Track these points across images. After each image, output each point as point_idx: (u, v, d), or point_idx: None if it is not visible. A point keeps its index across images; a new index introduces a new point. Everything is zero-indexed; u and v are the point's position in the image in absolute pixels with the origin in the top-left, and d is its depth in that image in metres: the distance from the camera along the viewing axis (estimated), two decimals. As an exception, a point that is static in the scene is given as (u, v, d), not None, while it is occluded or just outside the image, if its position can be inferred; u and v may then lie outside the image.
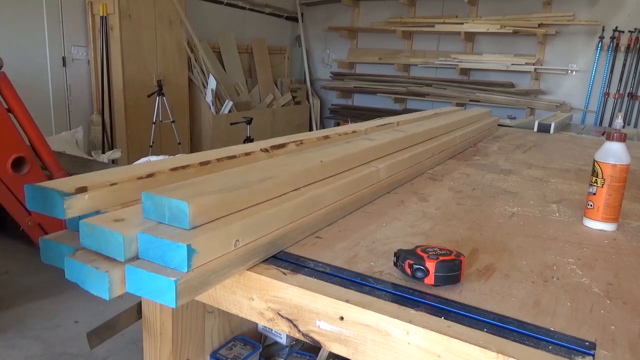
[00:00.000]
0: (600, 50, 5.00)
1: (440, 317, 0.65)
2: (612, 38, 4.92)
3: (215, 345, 1.16)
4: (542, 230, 1.03)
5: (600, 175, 1.04)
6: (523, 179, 1.52)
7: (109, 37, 4.28)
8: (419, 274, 0.72)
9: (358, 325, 0.67)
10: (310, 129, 6.63)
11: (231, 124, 4.67)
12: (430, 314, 0.66)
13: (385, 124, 1.78)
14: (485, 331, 0.62)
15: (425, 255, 0.73)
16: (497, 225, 1.05)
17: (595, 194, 1.05)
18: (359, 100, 6.66)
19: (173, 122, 4.41)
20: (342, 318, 0.68)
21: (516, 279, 0.78)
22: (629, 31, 4.86)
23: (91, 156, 4.11)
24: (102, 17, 4.22)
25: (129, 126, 4.43)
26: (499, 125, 2.86)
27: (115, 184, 0.85)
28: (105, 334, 1.64)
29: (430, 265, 0.71)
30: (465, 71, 5.72)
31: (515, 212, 1.16)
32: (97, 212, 0.80)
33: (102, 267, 0.67)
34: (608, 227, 1.06)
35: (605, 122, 5.07)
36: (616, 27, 4.90)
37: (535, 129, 2.80)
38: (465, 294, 0.72)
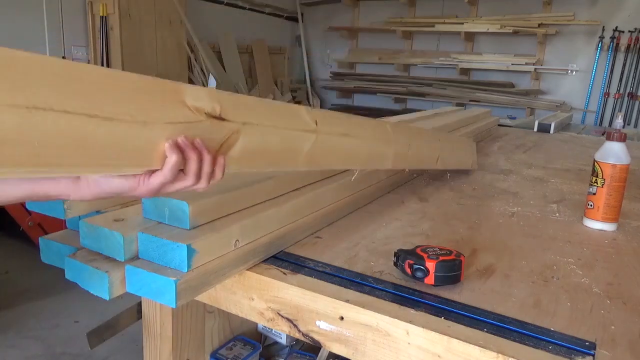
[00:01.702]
0: (600, 50, 4.99)
1: (440, 317, 0.65)
2: (612, 38, 4.91)
3: (215, 345, 1.16)
4: (542, 230, 1.03)
5: (600, 175, 1.04)
6: (523, 179, 1.52)
7: (109, 37, 4.28)
8: (419, 274, 0.72)
9: (358, 325, 0.67)
10: (310, 129, 6.61)
11: (231, 124, 4.66)
12: (430, 314, 0.66)
13: (385, 124, 1.78)
14: (485, 331, 0.62)
15: (425, 255, 0.73)
16: (497, 225, 1.05)
17: (595, 194, 1.05)
18: (359, 100, 6.65)
19: (173, 122, 4.41)
20: (342, 318, 0.68)
21: (516, 279, 0.78)
22: (629, 31, 4.85)
23: (91, 156, 4.10)
24: (102, 17, 4.21)
25: (129, 126, 4.43)
26: (499, 125, 2.86)
27: (115, 184, 0.84)
28: (105, 334, 1.64)
29: (430, 265, 0.71)
30: (465, 71, 5.71)
31: (515, 212, 1.16)
32: (97, 212, 0.80)
33: (102, 267, 0.67)
34: (608, 227, 1.06)
35: (605, 122, 5.06)
36: (616, 27, 4.90)
37: (535, 129, 2.80)
38: (465, 294, 0.72)
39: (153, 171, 0.54)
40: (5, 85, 0.39)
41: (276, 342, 1.31)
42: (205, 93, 0.58)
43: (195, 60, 5.06)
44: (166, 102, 0.54)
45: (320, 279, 0.74)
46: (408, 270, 0.73)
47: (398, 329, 0.64)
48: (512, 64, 5.31)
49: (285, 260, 0.81)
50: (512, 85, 5.47)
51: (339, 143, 0.83)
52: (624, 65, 4.93)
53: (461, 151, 1.52)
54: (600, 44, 4.97)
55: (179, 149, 0.53)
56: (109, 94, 0.47)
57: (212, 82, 5.01)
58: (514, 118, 3.76)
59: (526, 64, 5.28)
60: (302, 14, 6.81)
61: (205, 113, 0.57)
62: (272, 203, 0.88)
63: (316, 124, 0.76)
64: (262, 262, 0.80)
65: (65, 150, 0.44)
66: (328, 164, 0.82)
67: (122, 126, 0.48)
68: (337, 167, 0.85)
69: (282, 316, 0.73)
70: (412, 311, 0.66)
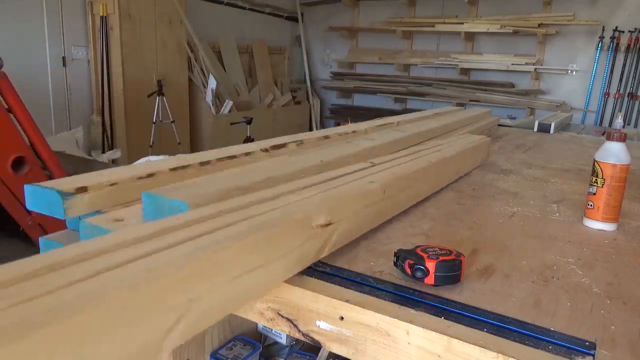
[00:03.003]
0: (600, 50, 5.00)
1: (440, 317, 0.65)
2: (612, 38, 4.92)
3: (215, 345, 1.16)
4: (542, 230, 1.03)
5: (600, 175, 1.04)
6: (523, 179, 1.52)
7: (109, 37, 4.28)
8: (419, 274, 0.72)
9: (358, 325, 0.67)
10: (310, 129, 6.63)
11: (231, 124, 4.67)
12: (430, 314, 0.65)
13: (385, 124, 1.78)
14: (485, 331, 0.62)
15: (425, 255, 0.73)
16: (497, 225, 1.05)
17: (595, 194, 1.05)
18: (359, 100, 6.66)
19: (173, 122, 4.41)
20: (342, 318, 0.68)
21: (516, 279, 0.78)
22: (629, 31, 4.86)
23: (91, 156, 4.11)
24: (102, 17, 4.22)
25: (129, 126, 4.43)
26: (499, 125, 2.86)
27: (115, 184, 0.85)
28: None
29: (430, 265, 0.71)
30: (465, 71, 5.72)
31: (515, 212, 1.16)
32: (97, 212, 0.80)
33: (102, 267, 0.67)
34: (608, 227, 1.06)
35: (605, 122, 5.07)
36: (616, 27, 4.90)
37: (535, 129, 2.80)
38: (465, 294, 0.72)
39: None
40: (231, 267, 0.55)
41: (276, 342, 1.30)
42: (324, 210, 0.74)
43: (195, 60, 5.07)
44: (302, 234, 0.70)
45: (320, 279, 0.74)
46: (408, 270, 0.73)
47: (398, 329, 0.64)
48: (512, 64, 5.32)
49: (285, 260, 0.81)
50: (512, 85, 5.48)
51: (396, 198, 1.01)
52: (624, 65, 4.93)
53: (476, 155, 1.59)
54: (600, 44, 4.98)
55: None
56: (272, 249, 0.63)
57: (212, 82, 5.01)
58: (514, 118, 3.76)
59: (526, 64, 5.29)
60: (302, 14, 6.81)
61: (320, 225, 0.73)
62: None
63: (384, 193, 0.93)
64: (262, 262, 0.80)
65: (238, 300, 0.59)
66: (384, 219, 0.98)
67: (269, 267, 0.63)
68: (386, 218, 1.00)
69: (282, 316, 0.73)
70: (412, 311, 0.66)
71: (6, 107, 2.64)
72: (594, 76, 5.10)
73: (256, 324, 1.26)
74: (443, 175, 1.29)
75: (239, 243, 0.56)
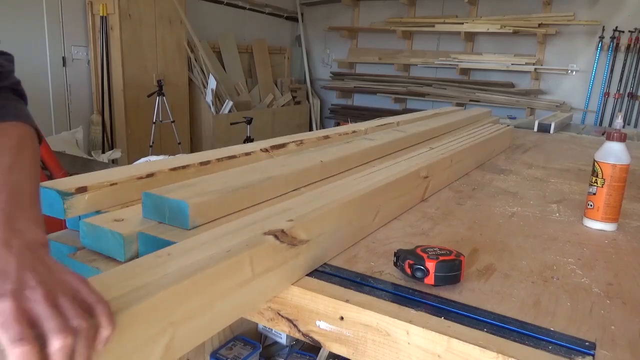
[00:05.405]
0: (600, 50, 4.99)
1: (440, 317, 0.65)
2: (612, 38, 4.91)
3: (215, 345, 1.16)
4: (542, 230, 1.03)
5: (600, 175, 1.04)
6: (523, 179, 1.52)
7: (109, 37, 4.28)
8: (418, 274, 0.72)
9: (358, 325, 0.67)
10: (310, 129, 6.62)
11: (231, 124, 4.67)
12: (430, 314, 0.66)
13: (385, 124, 1.78)
14: (485, 331, 0.62)
15: (425, 255, 0.73)
16: (497, 225, 1.05)
17: (595, 194, 1.05)
18: (359, 100, 6.65)
19: (173, 122, 4.41)
20: (342, 318, 0.68)
21: (516, 279, 0.78)
22: (629, 31, 4.85)
23: (91, 156, 4.11)
24: (102, 17, 4.21)
25: (129, 126, 4.43)
26: (499, 125, 2.86)
27: (115, 184, 0.85)
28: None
29: (430, 265, 0.71)
30: (465, 71, 5.71)
31: (515, 212, 1.16)
32: (97, 212, 0.80)
33: (102, 267, 0.67)
34: (608, 227, 1.06)
35: (605, 122, 5.06)
36: (616, 27, 4.89)
37: (535, 129, 2.80)
38: (465, 294, 0.72)
39: None
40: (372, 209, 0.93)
41: (276, 342, 1.31)
42: (425, 168, 1.15)
43: (195, 60, 5.06)
44: (415, 181, 1.13)
45: (320, 279, 0.74)
46: (408, 270, 0.73)
47: (398, 329, 0.64)
48: (512, 64, 5.31)
49: (285, 260, 0.81)
50: (512, 85, 5.47)
51: (455, 167, 1.41)
52: (624, 65, 4.93)
53: (503, 140, 1.99)
54: (600, 44, 4.97)
55: None
56: (400, 189, 1.05)
57: (212, 82, 5.01)
58: (514, 118, 3.75)
59: (526, 64, 5.28)
60: (302, 14, 6.81)
61: (423, 177, 1.17)
62: (272, 203, 0.88)
63: (451, 162, 1.36)
64: (262, 262, 0.80)
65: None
66: (451, 181, 1.40)
67: (402, 198, 1.06)
68: (451, 181, 1.41)
69: (282, 316, 0.73)
70: (412, 311, 0.66)
71: (6, 107, 2.64)
72: (594, 76, 5.09)
73: (256, 324, 1.26)
74: (482, 154, 1.68)
75: (382, 187, 0.95)
